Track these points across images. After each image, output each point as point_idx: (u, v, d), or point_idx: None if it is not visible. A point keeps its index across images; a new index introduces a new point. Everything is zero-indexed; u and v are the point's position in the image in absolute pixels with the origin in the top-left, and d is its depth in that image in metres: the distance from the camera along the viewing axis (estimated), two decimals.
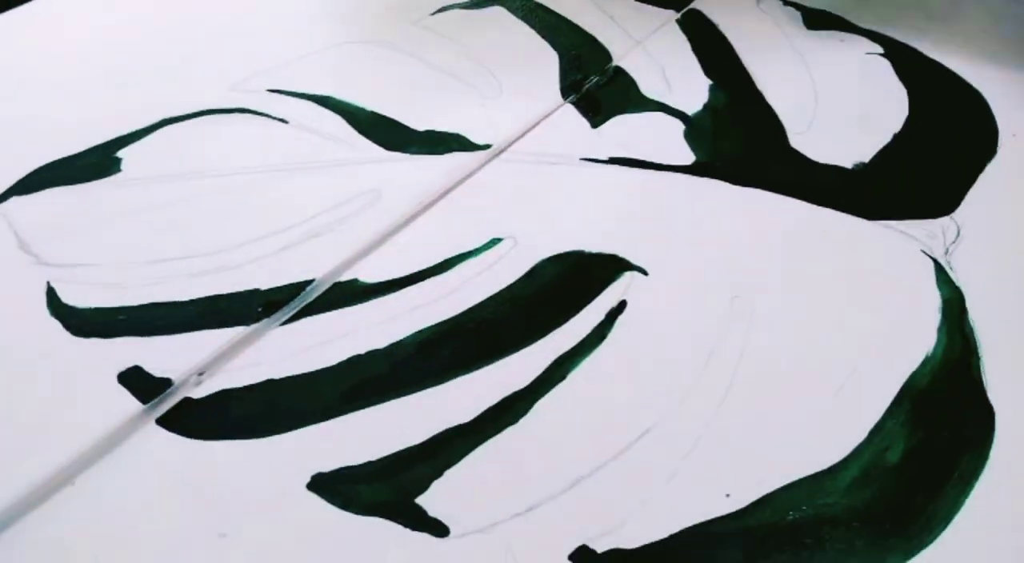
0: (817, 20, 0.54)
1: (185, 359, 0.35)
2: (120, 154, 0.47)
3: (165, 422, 0.33)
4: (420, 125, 0.47)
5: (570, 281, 0.38)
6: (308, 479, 0.31)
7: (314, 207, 0.42)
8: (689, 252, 0.39)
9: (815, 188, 0.42)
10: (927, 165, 0.44)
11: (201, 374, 0.35)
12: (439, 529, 0.30)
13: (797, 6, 0.56)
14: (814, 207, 0.41)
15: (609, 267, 0.39)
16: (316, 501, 0.31)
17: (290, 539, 0.30)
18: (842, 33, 0.53)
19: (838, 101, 0.48)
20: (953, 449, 0.31)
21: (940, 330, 0.35)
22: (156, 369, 0.35)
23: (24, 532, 0.30)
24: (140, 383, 0.34)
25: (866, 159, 0.44)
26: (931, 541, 0.29)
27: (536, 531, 0.30)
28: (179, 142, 0.48)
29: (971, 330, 0.35)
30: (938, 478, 0.31)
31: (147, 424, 0.33)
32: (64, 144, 0.47)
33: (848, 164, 0.44)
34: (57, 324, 0.37)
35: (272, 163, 0.45)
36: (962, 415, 0.33)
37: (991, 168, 0.43)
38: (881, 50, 0.52)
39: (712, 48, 0.52)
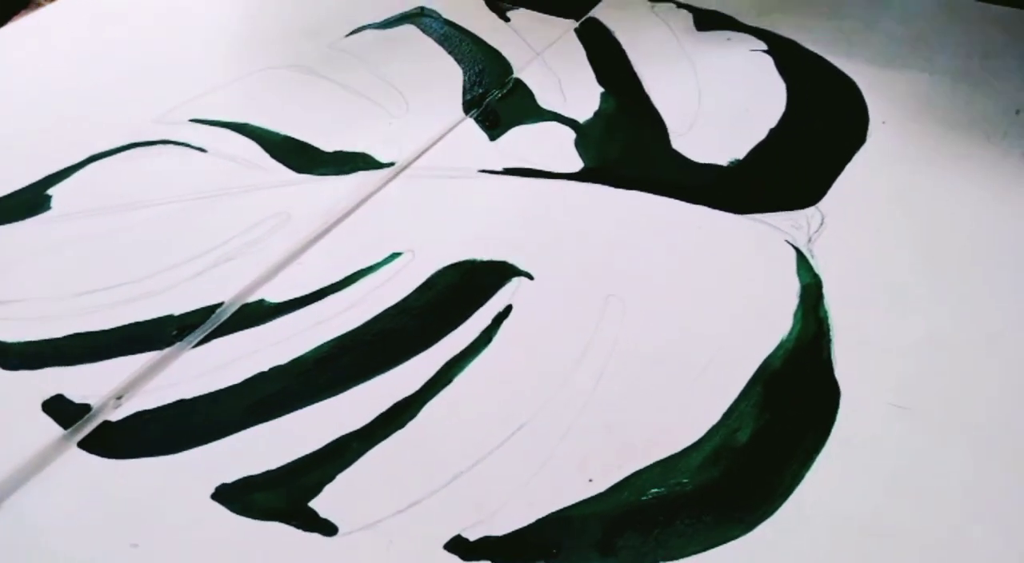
0: (707, 21, 0.57)
1: (104, 384, 0.38)
2: (50, 191, 0.49)
3: (86, 445, 0.36)
4: (329, 146, 0.50)
5: (462, 289, 0.41)
6: (212, 490, 0.34)
7: (228, 231, 0.45)
8: (571, 255, 0.42)
9: (691, 187, 0.44)
10: (798, 158, 0.46)
11: (119, 398, 0.37)
12: (328, 529, 0.32)
13: (690, 8, 0.58)
14: (689, 205, 0.44)
15: (498, 273, 0.41)
16: (219, 510, 0.33)
17: (196, 545, 0.32)
18: (730, 32, 0.56)
19: (720, 100, 0.50)
20: (798, 428, 0.34)
21: (796, 315, 0.38)
22: (77, 395, 0.37)
23: None
24: (62, 410, 0.37)
25: (741, 155, 0.46)
26: (770, 514, 0.32)
27: (415, 525, 0.32)
28: (106, 177, 0.50)
29: (825, 314, 0.38)
30: (781, 456, 0.33)
31: (69, 448, 0.36)
32: None
33: (724, 162, 0.46)
34: None
35: (191, 192, 0.48)
36: (810, 395, 0.35)
37: (859, 157, 0.46)
38: (764, 46, 0.54)
39: (606, 56, 0.55)
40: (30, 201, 0.49)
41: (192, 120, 0.53)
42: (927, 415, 0.34)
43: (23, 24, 0.65)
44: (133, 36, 0.61)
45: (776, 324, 0.38)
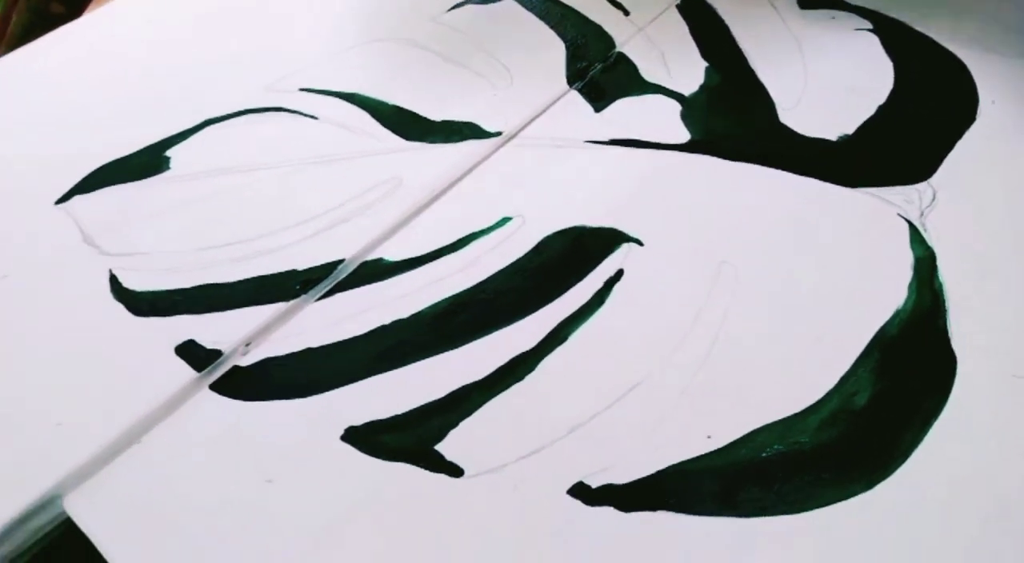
0: (810, 0, 0.57)
1: (233, 332, 0.40)
2: (168, 153, 0.51)
3: (217, 387, 0.38)
4: (437, 116, 0.51)
5: (572, 253, 0.42)
6: (342, 432, 0.36)
7: (343, 195, 0.47)
8: (681, 224, 0.43)
9: (801, 160, 0.45)
10: (908, 134, 0.46)
11: (247, 345, 0.39)
12: (454, 471, 0.34)
13: None
14: (799, 177, 0.44)
15: (608, 240, 0.42)
16: (349, 450, 0.35)
17: (327, 482, 0.34)
18: (834, 11, 0.56)
19: (826, 77, 0.50)
20: (916, 393, 0.35)
21: (911, 286, 0.39)
22: (208, 342, 0.40)
23: (98, 485, 0.35)
24: (194, 354, 0.39)
25: (850, 131, 0.47)
26: (890, 473, 0.32)
27: (539, 471, 0.34)
28: (221, 140, 0.52)
29: (940, 286, 0.38)
30: (901, 419, 0.34)
31: (201, 389, 0.38)
32: (118, 146, 0.52)
33: (833, 137, 0.46)
34: (120, 306, 0.42)
35: (305, 156, 0.50)
36: (927, 363, 0.36)
37: (969, 134, 0.46)
38: (870, 25, 0.54)
39: (709, 32, 0.55)
40: (149, 161, 0.51)
41: (302, 89, 0.55)
42: None
43: None
44: (244, 6, 0.63)
45: (890, 295, 0.38)
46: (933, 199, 0.42)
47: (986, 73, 0.49)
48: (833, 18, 0.55)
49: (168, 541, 0.33)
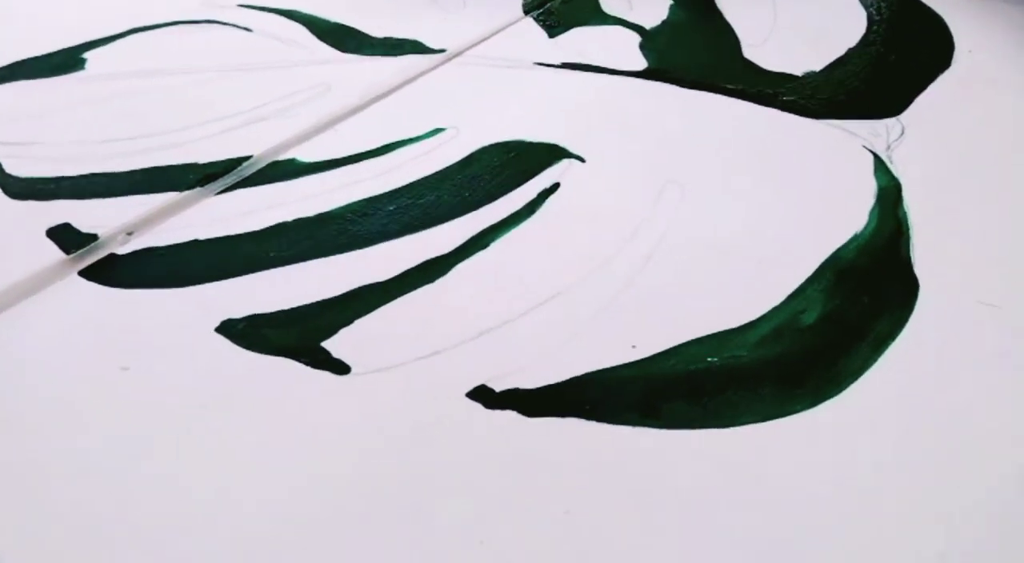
0: None
1: (115, 219, 0.35)
2: (86, 55, 0.47)
3: (88, 273, 0.33)
4: (379, 33, 0.47)
5: (507, 165, 0.38)
6: (217, 323, 0.31)
7: (263, 97, 0.42)
8: (630, 145, 0.39)
9: (762, 91, 0.41)
10: (877, 75, 0.43)
11: (130, 233, 0.35)
12: (340, 368, 0.29)
13: None
14: (758, 107, 0.40)
15: (548, 154, 0.38)
16: (222, 342, 0.30)
17: (191, 373, 0.29)
18: None
19: (796, 19, 0.47)
20: (871, 314, 0.30)
21: (872, 213, 0.34)
22: (85, 226, 0.35)
23: None
24: (67, 238, 0.34)
25: (817, 68, 0.43)
26: (838, 393, 0.28)
27: (437, 372, 0.29)
28: (145, 47, 0.47)
29: (904, 215, 0.34)
30: (851, 339, 0.29)
31: (69, 274, 0.33)
32: (34, 45, 0.47)
33: (798, 72, 0.43)
34: None
35: (230, 64, 0.45)
36: (885, 286, 0.31)
37: (943, 79, 0.42)
38: None
39: None
40: (64, 62, 0.46)
41: (241, 4, 0.51)
42: (1021, 315, 0.30)
43: None
44: None
45: (849, 220, 0.34)
46: (902, 134, 0.38)
47: (966, 25, 0.46)
48: None
49: (9, 426, 0.28)
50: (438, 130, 0.39)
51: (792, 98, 0.40)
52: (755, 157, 0.37)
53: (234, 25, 0.49)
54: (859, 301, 0.31)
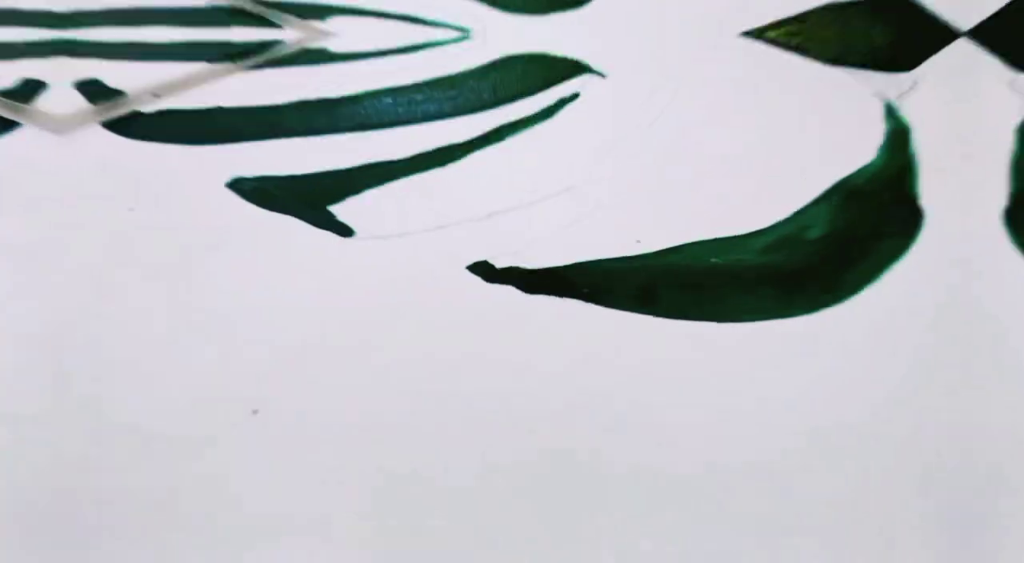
0: None
1: (144, 80, 0.35)
2: None
3: (110, 125, 0.33)
4: None
5: (530, 74, 0.37)
6: (229, 179, 0.30)
7: None
8: (652, 65, 0.38)
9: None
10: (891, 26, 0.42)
11: (157, 94, 0.34)
12: (343, 230, 0.29)
13: None
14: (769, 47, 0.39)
15: (570, 68, 0.38)
16: (229, 196, 0.30)
17: (192, 219, 0.29)
18: None
19: None
20: (875, 236, 0.30)
21: (881, 149, 0.34)
22: (114, 83, 0.34)
23: None
24: (94, 91, 0.34)
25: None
26: (836, 303, 0.27)
27: (440, 245, 0.29)
28: None
29: (913, 154, 0.34)
30: (854, 256, 0.29)
31: (91, 123, 0.33)
32: None
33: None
34: None
35: None
36: (891, 213, 0.31)
37: (959, 42, 0.41)
38: None
39: None
40: None
41: None
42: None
43: None
44: None
45: (859, 153, 0.33)
46: (913, 85, 0.38)
47: None
48: None
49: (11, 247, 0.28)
50: (464, 36, 0.39)
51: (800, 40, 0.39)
52: (767, 92, 0.37)
53: None
54: (864, 223, 0.30)
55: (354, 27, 0.39)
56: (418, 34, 0.39)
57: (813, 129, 0.35)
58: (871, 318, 0.27)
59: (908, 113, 0.36)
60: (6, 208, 0.29)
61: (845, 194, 0.31)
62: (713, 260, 0.28)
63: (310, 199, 0.30)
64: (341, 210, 0.29)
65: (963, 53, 0.39)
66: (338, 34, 0.39)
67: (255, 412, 0.24)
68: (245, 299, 0.27)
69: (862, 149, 0.34)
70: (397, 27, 0.40)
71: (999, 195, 0.32)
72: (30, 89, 0.34)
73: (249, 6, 0.38)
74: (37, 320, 0.26)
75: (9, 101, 0.33)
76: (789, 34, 0.39)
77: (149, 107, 0.34)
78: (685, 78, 0.37)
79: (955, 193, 0.32)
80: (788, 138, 0.34)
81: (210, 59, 0.36)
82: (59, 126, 0.32)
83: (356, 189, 0.30)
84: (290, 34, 0.38)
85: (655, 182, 0.32)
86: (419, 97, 0.35)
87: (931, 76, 0.38)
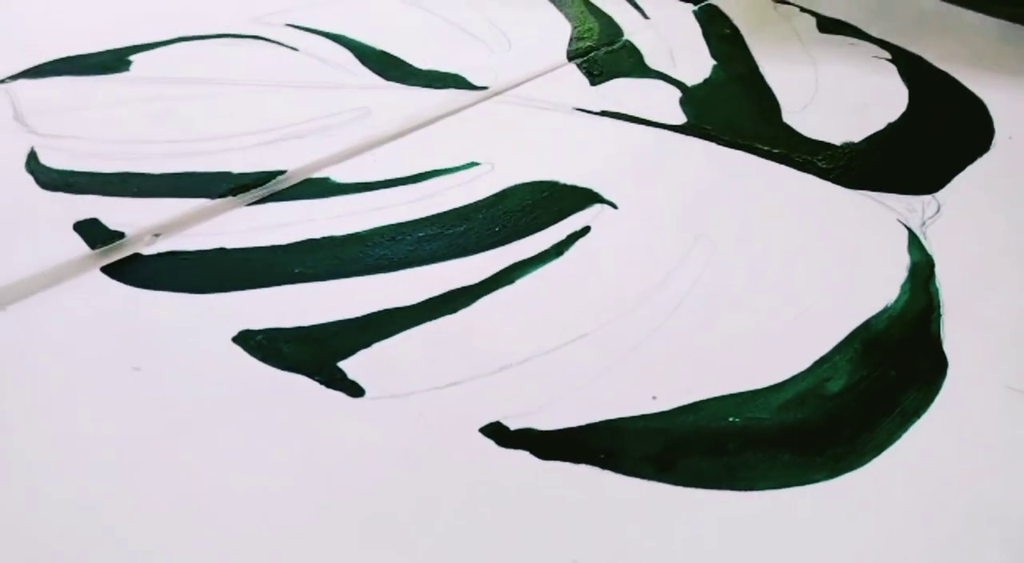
0: (831, 26, 0.54)
1: (143, 219, 0.35)
2: (132, 58, 0.47)
3: (110, 270, 0.33)
4: (424, 65, 0.47)
5: (539, 204, 0.37)
6: (235, 333, 0.30)
7: (303, 115, 0.42)
8: (664, 195, 0.38)
9: (799, 156, 0.41)
10: (916, 151, 0.42)
11: (157, 235, 0.34)
12: (354, 389, 0.28)
13: (813, 13, 0.56)
14: (796, 172, 0.40)
15: (580, 198, 0.38)
16: (237, 352, 0.29)
17: (201, 379, 0.28)
18: (853, 39, 0.53)
19: (837, 92, 0.47)
20: (898, 388, 0.30)
21: (904, 287, 0.34)
22: (113, 223, 0.34)
23: None
24: (94, 233, 0.34)
25: (856, 140, 0.43)
26: (858, 466, 0.27)
27: (452, 404, 0.28)
28: (190, 56, 0.48)
29: (936, 290, 0.34)
30: (878, 413, 0.29)
31: (91, 269, 0.33)
32: (81, 44, 0.48)
33: (837, 142, 0.42)
34: (30, 179, 0.37)
35: (274, 79, 0.45)
36: (914, 361, 0.31)
37: (982, 162, 0.42)
38: (889, 55, 0.51)
39: (723, 36, 0.52)
40: (110, 62, 0.47)
41: (289, 24, 0.51)
42: None
43: None
44: None
45: (881, 292, 0.34)
46: (937, 211, 0.38)
47: (1008, 111, 0.46)
48: (852, 45, 0.52)
49: (12, 416, 0.27)
50: (473, 164, 0.39)
51: (829, 166, 0.40)
52: (788, 220, 0.37)
53: (280, 43, 0.49)
54: (887, 374, 0.30)
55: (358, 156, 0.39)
56: (424, 161, 0.39)
57: (833, 264, 0.35)
58: (895, 484, 0.26)
59: (932, 242, 0.36)
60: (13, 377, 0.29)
61: (866, 340, 0.31)
62: (731, 419, 0.28)
63: (320, 354, 0.29)
64: (351, 366, 0.29)
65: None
66: (342, 161, 0.39)
67: None
68: (251, 470, 0.26)
69: (884, 285, 0.34)
70: (402, 153, 0.40)
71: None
72: None
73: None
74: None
75: None
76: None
77: (149, 249, 0.34)
78: (699, 209, 0.38)
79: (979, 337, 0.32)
80: (808, 275, 0.34)
81: (209, 194, 0.36)
82: (60, 274, 0.32)
83: (366, 342, 0.30)
84: (292, 162, 0.39)
85: (670, 328, 0.31)
86: (427, 233, 0.35)
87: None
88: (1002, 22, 0.56)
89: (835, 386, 0.29)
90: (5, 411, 0.27)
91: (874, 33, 0.53)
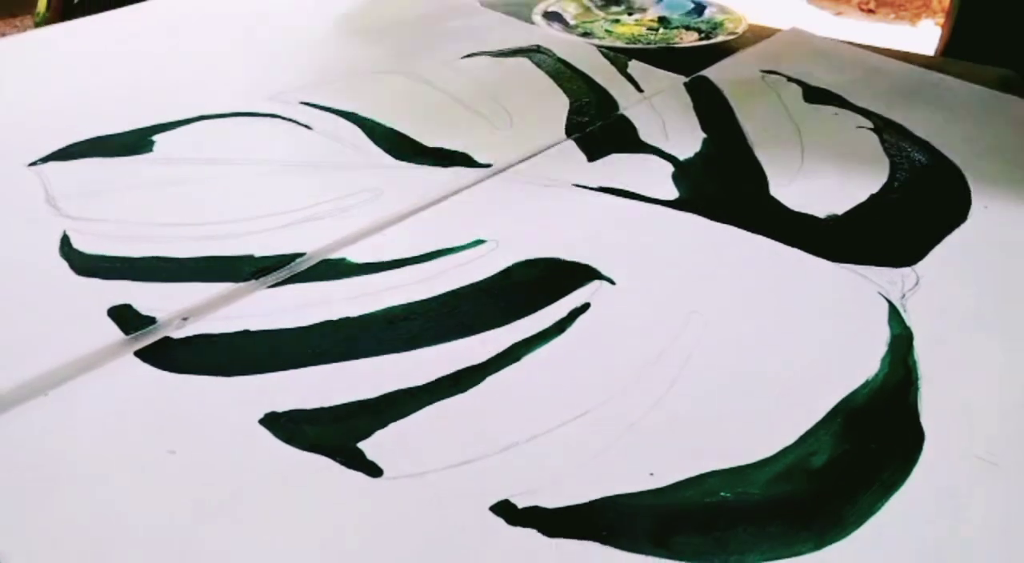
0: (816, 96, 0.57)
1: (173, 304, 0.37)
2: (155, 138, 0.50)
3: (143, 355, 0.35)
4: (431, 142, 0.50)
5: (541, 282, 0.40)
6: (261, 415, 0.32)
7: (319, 197, 0.45)
8: (657, 271, 0.41)
9: (786, 230, 0.43)
10: (896, 223, 0.45)
11: (185, 319, 0.37)
12: (373, 470, 0.31)
13: (801, 82, 0.58)
14: (781, 245, 0.42)
15: (580, 274, 0.40)
16: (264, 434, 0.32)
17: (233, 461, 0.31)
18: (837, 108, 0.55)
19: (822, 163, 0.49)
20: (877, 462, 0.32)
21: (884, 360, 0.36)
22: (144, 308, 0.37)
23: None
24: (127, 318, 0.36)
25: (839, 212, 0.45)
26: (842, 537, 0.29)
27: (464, 483, 0.30)
28: (210, 134, 0.51)
29: (914, 363, 0.36)
30: (858, 485, 0.31)
31: (126, 354, 0.35)
32: (107, 125, 0.51)
33: (821, 214, 0.45)
34: (65, 264, 0.39)
35: (290, 159, 0.48)
36: (892, 435, 0.33)
37: (959, 232, 0.44)
38: (871, 125, 0.54)
39: (712, 109, 0.55)
40: (134, 142, 0.50)
41: (303, 102, 0.54)
42: (1019, 474, 0.31)
43: None
44: (257, 21, 0.63)
45: (862, 365, 0.36)
46: (916, 284, 0.40)
47: (983, 180, 0.48)
48: (836, 114, 0.55)
49: (53, 497, 0.29)
50: (479, 241, 0.42)
51: (814, 239, 0.42)
52: (774, 294, 0.40)
53: (295, 121, 0.52)
54: (867, 447, 0.32)
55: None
56: (433, 240, 0.42)
57: (818, 338, 0.37)
58: (876, 555, 0.29)
59: (911, 314, 0.38)
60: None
61: (848, 415, 0.33)
62: (723, 494, 0.30)
63: (340, 436, 0.32)
64: (369, 446, 0.31)
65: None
66: (357, 241, 0.42)
67: None
68: (280, 547, 0.28)
69: (865, 358, 0.36)
70: (413, 231, 0.43)
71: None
72: None
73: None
74: None
75: None
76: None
77: (179, 333, 0.36)
78: (691, 284, 0.40)
79: (954, 408, 0.34)
80: (795, 349, 0.36)
81: (234, 277, 0.39)
82: (95, 360, 0.34)
83: (381, 423, 0.32)
84: (311, 243, 0.41)
85: (666, 403, 0.34)
86: (437, 312, 0.38)
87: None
88: (985, 90, 0.58)
89: (819, 460, 0.32)
90: (50, 490, 0.30)
91: (859, 102, 0.56)
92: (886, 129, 0.53)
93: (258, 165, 0.47)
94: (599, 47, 0.63)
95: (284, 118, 0.52)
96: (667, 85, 0.57)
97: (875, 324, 0.38)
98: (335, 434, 0.32)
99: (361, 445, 0.31)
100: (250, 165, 0.47)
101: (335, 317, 0.37)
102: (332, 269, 0.40)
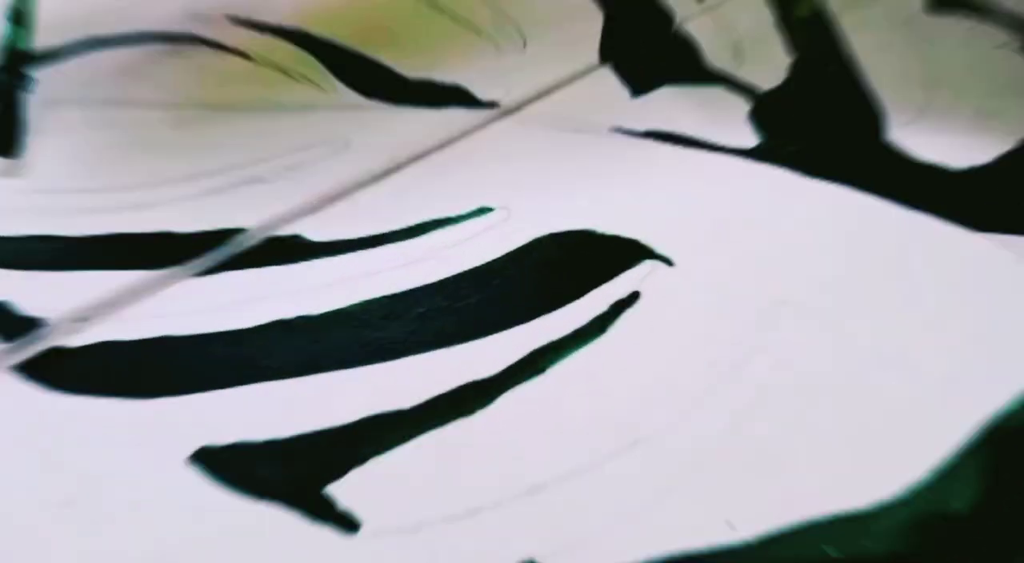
0: (943, 1, 0.57)
1: (67, 300, 0.37)
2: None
3: (26, 369, 0.35)
4: (414, 72, 0.50)
5: (572, 264, 0.40)
6: (192, 450, 0.33)
7: (263, 151, 0.45)
8: (732, 247, 0.41)
9: (907, 188, 0.43)
10: None
11: (84, 319, 0.37)
12: (347, 524, 0.31)
13: None
14: (904, 210, 0.42)
15: (625, 253, 0.40)
16: (195, 478, 0.32)
17: (154, 516, 0.31)
18: (972, 19, 0.55)
19: (958, 93, 0.49)
20: None
21: None
22: (29, 307, 0.37)
23: None
24: (5, 320, 0.37)
25: (983, 160, 0.45)
26: None
27: (473, 540, 0.30)
28: (106, 68, 0.51)
29: None
30: (1016, 539, 0.31)
31: (0, 368, 0.35)
32: None
33: (956, 165, 0.45)
34: None
35: (223, 100, 0.48)
36: None
37: None
38: (1019, 43, 0.53)
39: (802, 20, 0.55)
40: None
41: (231, 18, 0.54)
42: None
43: None
44: None
45: (1015, 370, 0.36)
46: None
47: None
48: (970, 28, 0.55)
49: None
50: (485, 210, 0.42)
51: (946, 199, 0.42)
52: (893, 277, 0.39)
53: (224, 47, 0.52)
54: None
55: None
56: (422, 208, 0.42)
57: (955, 336, 0.37)
58: None
59: None
60: None
61: (999, 441, 0.34)
62: (827, 550, 0.30)
63: (302, 477, 0.32)
64: (342, 491, 0.32)
65: None
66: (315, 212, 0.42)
67: None
68: None
69: (1019, 360, 0.36)
70: (393, 197, 0.43)
71: None
72: None
73: None
74: None
75: None
76: None
77: (74, 340, 0.36)
78: (780, 265, 0.40)
79: None
80: (920, 349, 0.37)
81: (148, 263, 0.39)
82: None
83: (359, 458, 0.33)
84: (251, 216, 0.41)
85: (745, 428, 0.34)
86: (431, 307, 0.38)
87: None
88: None
89: (961, 504, 0.32)
90: None
91: (1003, 4, 0.56)
92: None
93: (177, 109, 0.48)
94: None
95: (210, 43, 0.52)
96: None
97: None
98: (295, 474, 0.32)
99: (330, 490, 0.32)
100: (165, 110, 0.48)
101: (289, 316, 0.37)
102: (282, 250, 0.40)
